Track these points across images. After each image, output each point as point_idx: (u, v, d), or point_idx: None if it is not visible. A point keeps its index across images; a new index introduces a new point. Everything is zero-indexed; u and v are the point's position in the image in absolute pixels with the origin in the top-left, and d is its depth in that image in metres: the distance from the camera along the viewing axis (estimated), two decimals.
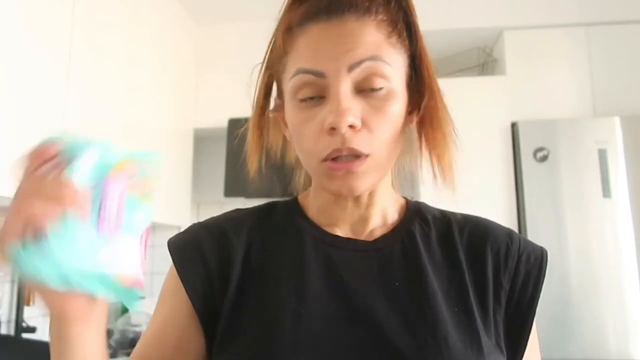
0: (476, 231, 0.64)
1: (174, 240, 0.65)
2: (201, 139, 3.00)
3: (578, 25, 2.52)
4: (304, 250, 0.61)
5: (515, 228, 2.34)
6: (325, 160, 0.56)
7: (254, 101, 0.66)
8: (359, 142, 0.55)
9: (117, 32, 2.14)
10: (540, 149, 2.31)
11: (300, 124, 0.57)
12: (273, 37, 0.63)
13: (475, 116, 2.40)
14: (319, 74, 0.55)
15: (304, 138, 0.57)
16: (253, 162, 0.66)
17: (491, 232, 0.64)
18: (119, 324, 2.19)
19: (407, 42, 0.59)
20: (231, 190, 2.67)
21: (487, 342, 0.57)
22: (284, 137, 0.69)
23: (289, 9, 0.60)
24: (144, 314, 2.29)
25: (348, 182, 0.56)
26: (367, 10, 0.56)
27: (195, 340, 0.59)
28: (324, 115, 0.55)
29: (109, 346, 2.13)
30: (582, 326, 2.16)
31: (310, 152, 0.57)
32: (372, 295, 0.58)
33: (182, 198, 2.78)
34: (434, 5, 2.59)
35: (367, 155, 0.55)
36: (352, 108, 0.54)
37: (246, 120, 0.69)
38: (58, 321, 0.44)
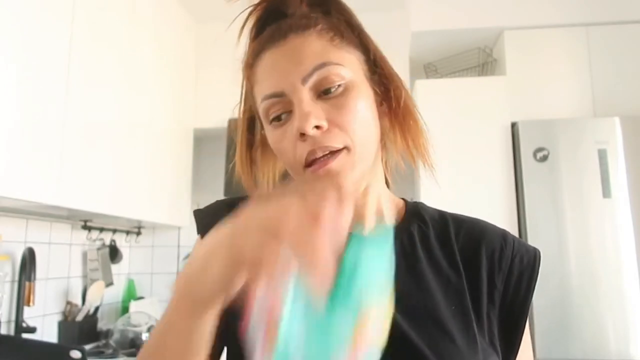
0: (471, 233, 0.66)
1: (197, 210, 0.73)
2: (201, 139, 3.00)
3: (578, 25, 2.52)
4: None
5: (515, 228, 2.34)
6: (306, 166, 0.58)
7: (237, 141, 0.70)
8: (330, 139, 0.57)
9: (117, 32, 2.14)
10: (540, 149, 2.31)
11: (278, 141, 0.60)
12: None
13: (475, 116, 2.40)
14: (279, 95, 0.58)
15: (284, 153, 0.60)
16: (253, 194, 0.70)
17: (486, 233, 0.66)
18: (119, 324, 2.18)
19: (355, 40, 0.62)
20: (231, 190, 2.66)
21: (482, 341, 0.59)
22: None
23: (248, 47, 0.66)
24: (144, 314, 2.28)
25: (331, 181, 0.57)
26: (306, 27, 0.61)
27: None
28: (293, 125, 0.58)
29: (109, 346, 2.13)
30: (582, 326, 2.16)
31: (292, 164, 0.60)
32: None
33: (182, 198, 2.78)
34: (435, 5, 2.59)
35: (342, 149, 0.57)
36: (313, 111, 0.56)
37: None
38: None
